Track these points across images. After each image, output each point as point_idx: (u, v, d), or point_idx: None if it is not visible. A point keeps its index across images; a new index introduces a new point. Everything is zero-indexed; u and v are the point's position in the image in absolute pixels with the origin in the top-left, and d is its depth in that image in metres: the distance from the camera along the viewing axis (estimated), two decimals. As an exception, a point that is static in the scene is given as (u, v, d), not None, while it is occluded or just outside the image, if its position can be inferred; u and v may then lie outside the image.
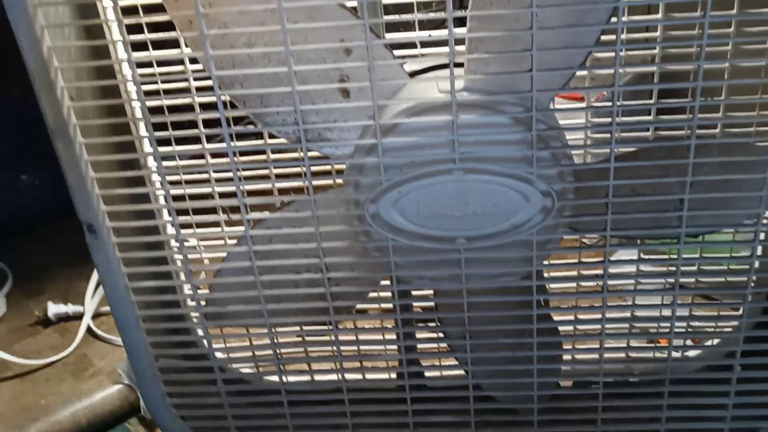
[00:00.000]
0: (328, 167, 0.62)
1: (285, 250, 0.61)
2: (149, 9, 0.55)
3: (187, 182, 0.62)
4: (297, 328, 0.66)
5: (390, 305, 0.63)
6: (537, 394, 0.66)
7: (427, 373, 0.69)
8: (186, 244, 0.63)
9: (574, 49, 0.52)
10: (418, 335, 0.69)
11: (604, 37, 0.52)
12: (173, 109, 0.59)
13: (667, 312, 0.63)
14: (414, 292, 0.65)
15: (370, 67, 0.52)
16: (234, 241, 0.63)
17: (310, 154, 0.57)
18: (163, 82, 0.59)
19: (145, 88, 0.56)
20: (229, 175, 0.58)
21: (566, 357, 0.68)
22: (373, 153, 0.55)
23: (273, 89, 0.54)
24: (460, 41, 0.52)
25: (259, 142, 0.62)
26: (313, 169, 0.57)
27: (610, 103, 0.53)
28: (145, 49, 0.57)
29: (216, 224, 0.62)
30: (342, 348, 0.66)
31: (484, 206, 0.56)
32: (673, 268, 0.60)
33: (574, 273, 0.64)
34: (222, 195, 0.61)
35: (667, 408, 0.66)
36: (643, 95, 0.61)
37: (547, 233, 0.58)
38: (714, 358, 0.67)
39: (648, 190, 0.57)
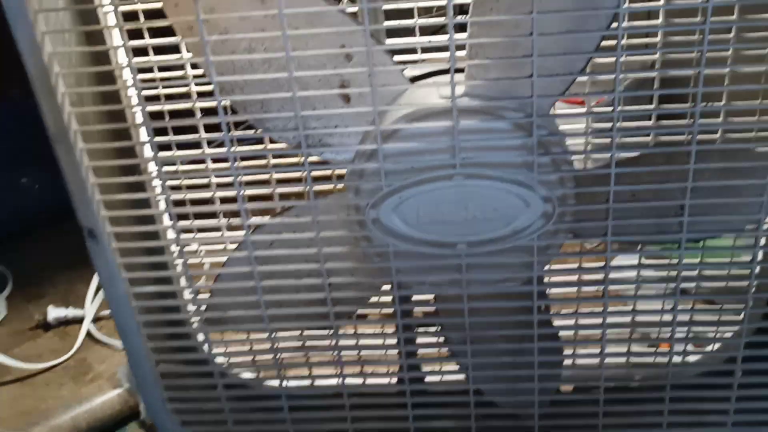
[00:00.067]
0: (328, 172, 0.62)
1: (285, 255, 0.61)
2: (150, 15, 0.55)
3: (188, 187, 0.62)
4: (297, 333, 0.66)
5: (390, 310, 0.63)
6: (538, 399, 0.65)
7: (428, 378, 0.69)
8: (186, 249, 0.63)
9: (574, 55, 0.52)
10: (419, 340, 0.69)
11: (604, 43, 0.52)
12: (174, 114, 0.59)
13: (667, 317, 0.63)
14: (414, 297, 0.65)
15: (371, 72, 0.52)
16: (234, 246, 0.63)
17: (310, 159, 0.57)
18: (163, 87, 0.59)
19: (145, 93, 0.57)
20: (230, 180, 0.58)
21: (567, 362, 0.67)
22: (374, 158, 0.55)
23: (274, 95, 0.55)
24: (460, 47, 0.52)
25: (260, 147, 0.62)
26: (314, 174, 0.57)
27: (610, 108, 0.53)
28: (146, 54, 0.57)
29: (217, 229, 0.62)
30: (342, 353, 0.66)
31: (484, 211, 0.56)
32: (674, 274, 0.60)
33: (575, 278, 0.64)
34: (223, 200, 0.61)
35: (668, 413, 0.66)
36: (644, 100, 0.61)
37: (548, 238, 0.58)
38: (715, 364, 0.67)
39: (649, 196, 0.57)
